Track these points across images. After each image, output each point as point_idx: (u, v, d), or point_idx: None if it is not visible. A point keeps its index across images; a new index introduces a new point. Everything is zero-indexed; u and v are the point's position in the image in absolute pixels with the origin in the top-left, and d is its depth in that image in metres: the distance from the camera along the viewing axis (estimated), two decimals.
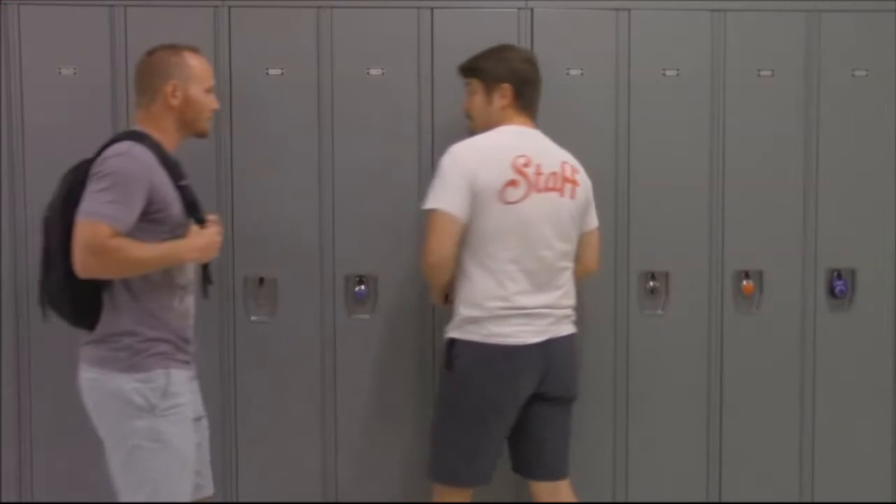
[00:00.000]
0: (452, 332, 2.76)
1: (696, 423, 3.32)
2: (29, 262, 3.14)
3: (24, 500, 3.20)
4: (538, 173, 2.74)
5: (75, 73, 3.13)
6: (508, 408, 2.76)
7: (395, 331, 3.26)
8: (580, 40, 3.22)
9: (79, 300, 2.42)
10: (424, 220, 2.76)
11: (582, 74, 3.23)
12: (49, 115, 3.13)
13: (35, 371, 3.16)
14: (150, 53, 2.60)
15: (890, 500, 3.38)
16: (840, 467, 3.35)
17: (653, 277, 3.28)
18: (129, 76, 3.10)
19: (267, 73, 3.17)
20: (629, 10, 3.22)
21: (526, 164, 2.72)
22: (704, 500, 3.33)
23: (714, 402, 3.32)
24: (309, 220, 3.20)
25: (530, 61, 2.89)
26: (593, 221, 2.93)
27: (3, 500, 3.19)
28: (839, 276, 3.32)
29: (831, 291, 3.32)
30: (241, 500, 3.24)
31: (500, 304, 2.70)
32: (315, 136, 3.19)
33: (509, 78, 2.82)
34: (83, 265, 2.31)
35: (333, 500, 3.27)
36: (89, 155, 2.47)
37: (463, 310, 2.74)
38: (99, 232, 2.29)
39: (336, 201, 3.21)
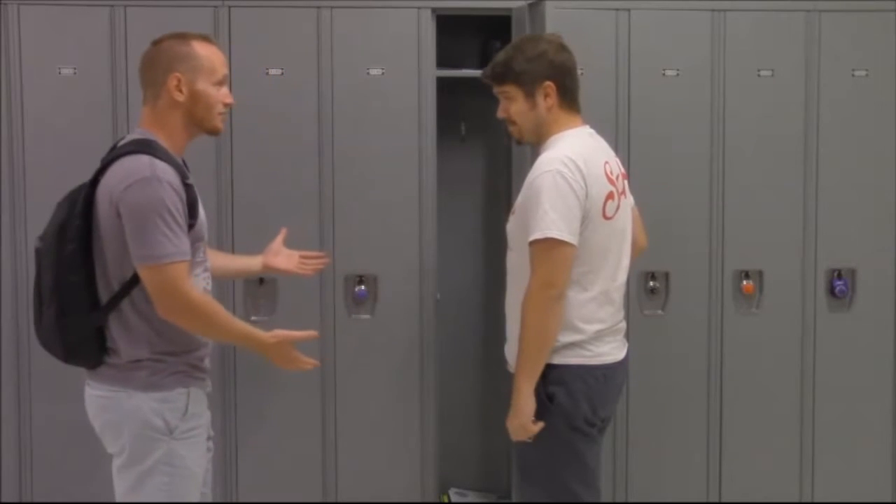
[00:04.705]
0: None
1: (697, 423, 3.32)
2: (28, 263, 3.14)
3: (24, 500, 3.20)
4: (618, 178, 2.48)
5: (75, 73, 3.13)
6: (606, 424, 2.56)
7: (395, 331, 3.26)
8: (581, 39, 3.20)
9: (71, 342, 2.23)
10: (537, 250, 2.34)
11: (582, 73, 3.20)
12: (49, 115, 3.12)
13: (35, 372, 3.16)
14: (156, 43, 2.33)
15: (890, 500, 3.38)
16: (840, 467, 3.35)
17: (653, 277, 3.28)
18: (130, 76, 3.12)
19: (267, 73, 3.16)
20: (629, 9, 3.21)
21: (611, 171, 2.44)
22: (704, 500, 3.34)
23: (714, 401, 3.31)
24: (309, 219, 3.20)
25: (565, 48, 2.51)
26: (630, 195, 2.63)
27: (3, 501, 3.18)
28: (839, 276, 3.31)
29: (831, 291, 3.32)
30: (241, 500, 3.23)
31: (600, 326, 2.43)
32: (315, 135, 3.19)
33: (550, 74, 2.45)
34: (168, 312, 2.18)
35: (333, 500, 3.27)
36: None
37: (558, 335, 2.39)
38: (177, 273, 2.14)
39: (336, 201, 3.21)
